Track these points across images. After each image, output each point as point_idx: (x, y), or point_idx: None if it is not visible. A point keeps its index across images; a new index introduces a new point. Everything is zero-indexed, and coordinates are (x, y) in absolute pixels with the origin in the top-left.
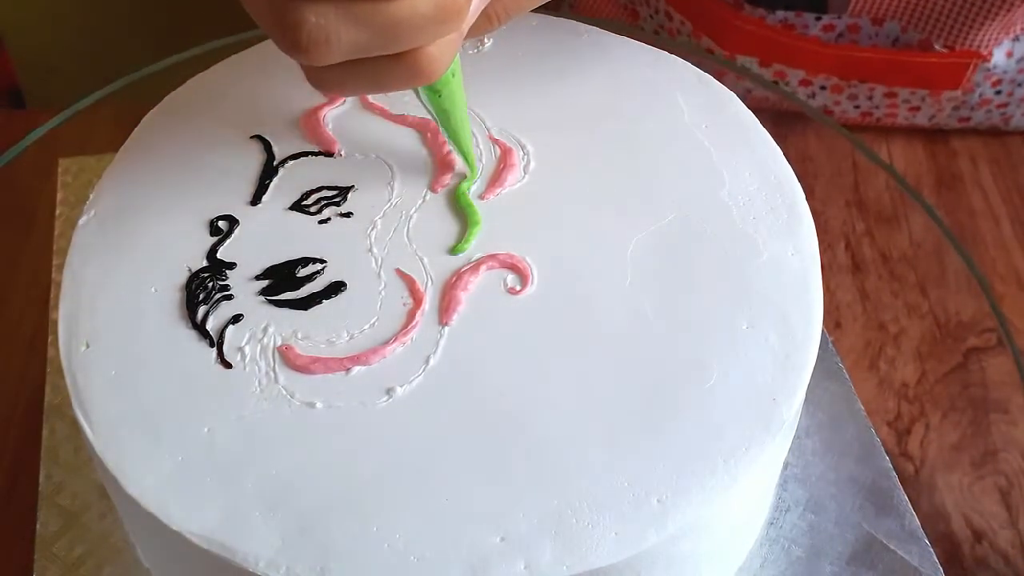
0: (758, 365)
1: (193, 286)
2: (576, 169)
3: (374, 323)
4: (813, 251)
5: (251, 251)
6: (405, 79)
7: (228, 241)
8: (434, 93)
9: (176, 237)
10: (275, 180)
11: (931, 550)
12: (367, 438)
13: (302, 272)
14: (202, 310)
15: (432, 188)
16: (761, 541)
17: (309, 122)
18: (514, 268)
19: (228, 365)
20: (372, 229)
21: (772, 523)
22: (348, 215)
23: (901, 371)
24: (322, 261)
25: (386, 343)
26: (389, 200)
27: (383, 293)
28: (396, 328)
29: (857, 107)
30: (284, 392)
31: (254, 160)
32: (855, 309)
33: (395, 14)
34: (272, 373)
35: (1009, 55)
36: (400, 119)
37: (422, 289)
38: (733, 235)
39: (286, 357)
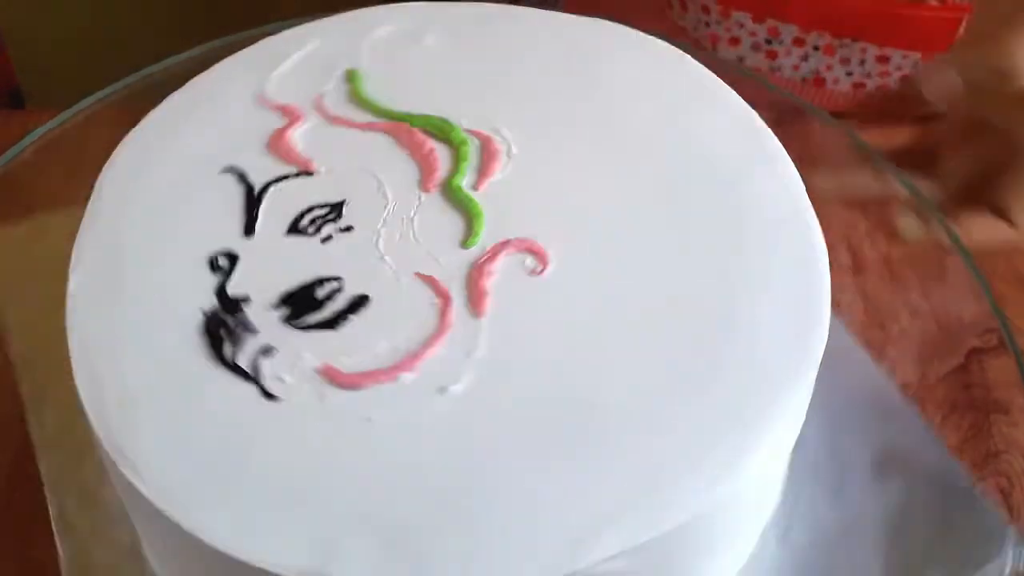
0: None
1: (212, 328)
2: (557, 146)
3: (409, 329)
4: (808, 207)
5: (261, 282)
6: None
7: (234, 276)
8: None
9: (178, 281)
10: (262, 207)
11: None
12: (432, 444)
13: (320, 293)
14: (229, 349)
15: (424, 188)
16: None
17: (279, 145)
18: (530, 250)
19: (273, 397)
20: (378, 238)
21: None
22: (349, 229)
23: (901, 372)
24: (337, 279)
25: (427, 345)
26: (386, 207)
27: (409, 298)
28: (432, 329)
29: (850, 74)
30: (338, 412)
31: (235, 190)
32: (855, 309)
33: None
34: (320, 395)
35: None
36: (368, 126)
37: (446, 287)
38: (718, 181)
39: (331, 376)
